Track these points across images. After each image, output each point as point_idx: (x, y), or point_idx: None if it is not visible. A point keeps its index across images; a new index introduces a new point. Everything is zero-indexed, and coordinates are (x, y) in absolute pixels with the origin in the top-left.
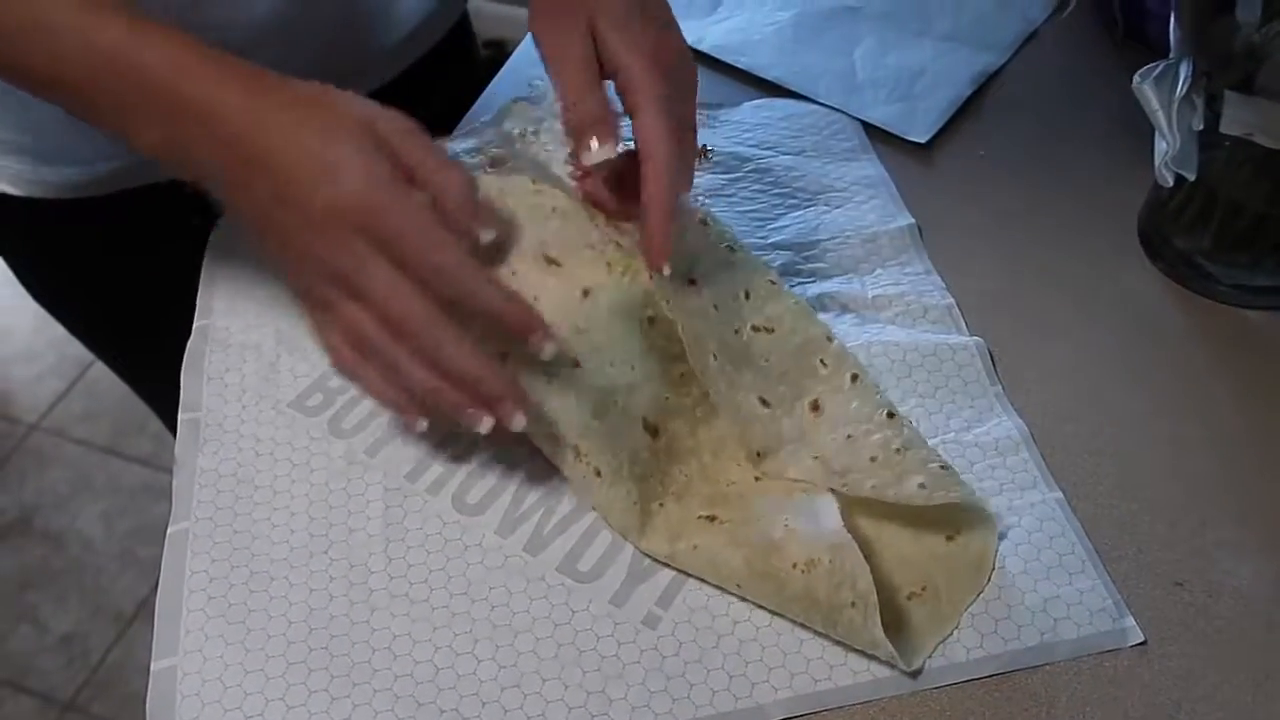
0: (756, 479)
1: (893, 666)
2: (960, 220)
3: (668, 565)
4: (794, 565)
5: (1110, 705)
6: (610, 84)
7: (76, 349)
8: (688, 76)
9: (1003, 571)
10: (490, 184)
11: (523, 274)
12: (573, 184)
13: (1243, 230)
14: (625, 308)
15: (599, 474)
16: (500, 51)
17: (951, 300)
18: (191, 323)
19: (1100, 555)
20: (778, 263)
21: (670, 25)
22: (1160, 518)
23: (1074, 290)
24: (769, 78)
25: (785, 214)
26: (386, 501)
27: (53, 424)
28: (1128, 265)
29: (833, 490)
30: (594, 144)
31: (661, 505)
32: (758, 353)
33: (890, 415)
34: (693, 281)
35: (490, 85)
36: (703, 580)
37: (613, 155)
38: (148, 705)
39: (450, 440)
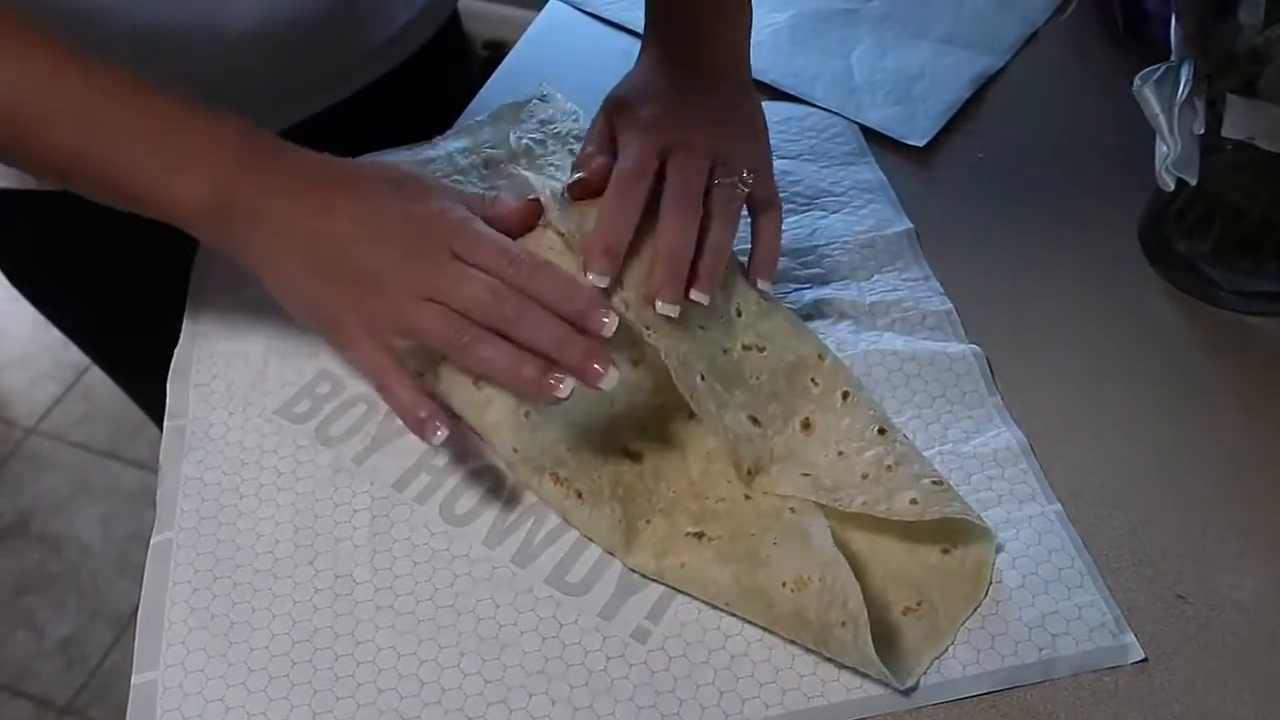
0: (746, 496)
1: (886, 685)
2: (959, 224)
3: (657, 580)
4: (783, 584)
5: None
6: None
7: (73, 352)
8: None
9: (1000, 586)
10: None
11: None
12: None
13: (1245, 235)
14: (611, 349)
15: (580, 496)
16: (499, 52)
17: (950, 306)
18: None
19: (1100, 568)
20: None
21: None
22: (1161, 529)
23: (1074, 295)
24: (765, 80)
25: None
26: (373, 511)
27: (50, 428)
28: (1128, 270)
29: (823, 506)
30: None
31: (649, 522)
32: (749, 371)
33: (882, 431)
34: None
35: (485, 86)
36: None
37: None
38: None
39: (437, 449)
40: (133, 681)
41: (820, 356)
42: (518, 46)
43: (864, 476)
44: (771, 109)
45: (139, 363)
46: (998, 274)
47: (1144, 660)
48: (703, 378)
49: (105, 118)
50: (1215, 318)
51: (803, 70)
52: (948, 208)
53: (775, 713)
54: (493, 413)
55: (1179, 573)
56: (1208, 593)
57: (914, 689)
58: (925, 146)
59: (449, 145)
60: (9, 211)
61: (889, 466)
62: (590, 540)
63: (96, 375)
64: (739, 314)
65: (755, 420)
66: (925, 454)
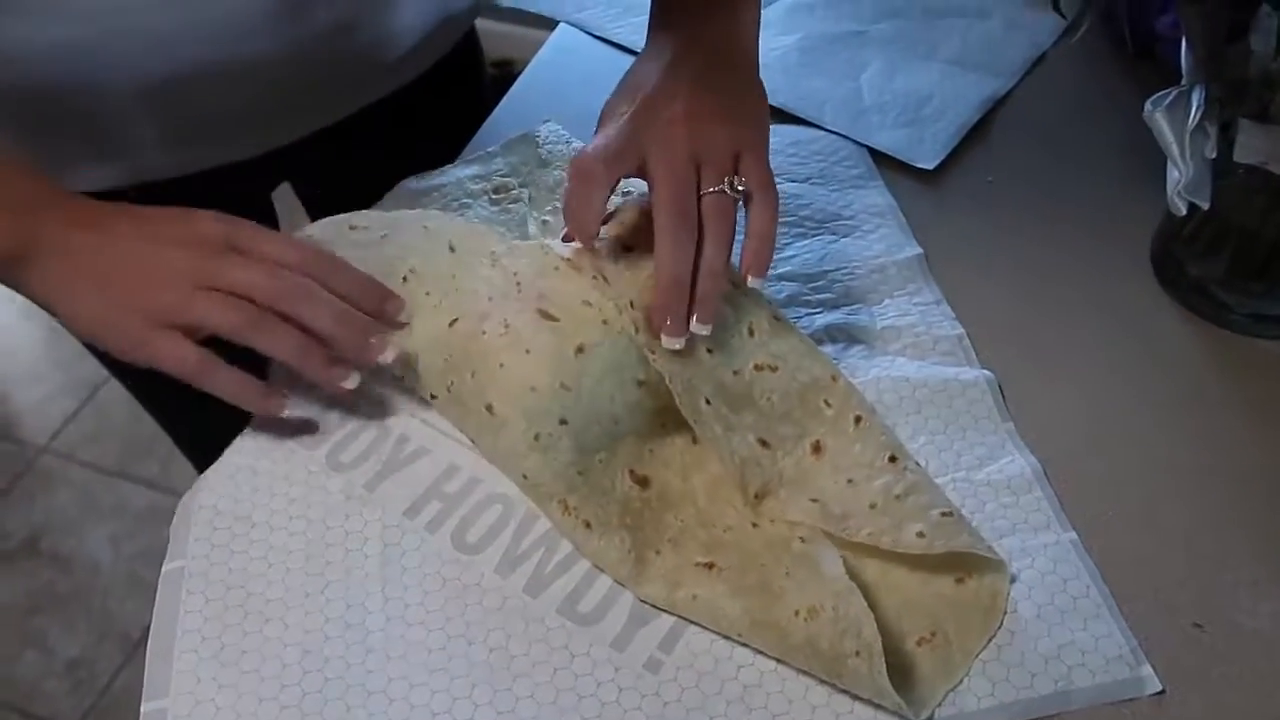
0: (754, 524)
1: (900, 716)
2: (969, 248)
3: (669, 611)
4: (795, 613)
5: None
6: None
7: (83, 370)
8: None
9: (1015, 616)
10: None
11: (516, 329)
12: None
13: (1257, 259)
14: (617, 368)
15: (589, 526)
16: (507, 71)
17: (961, 330)
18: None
19: (1116, 597)
20: (783, 294)
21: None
22: (1177, 556)
23: (1085, 319)
24: (774, 104)
25: (791, 243)
26: (385, 539)
27: (60, 446)
28: (1140, 293)
29: (832, 536)
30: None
31: (658, 553)
32: (759, 391)
33: (893, 459)
34: None
35: (495, 111)
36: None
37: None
38: None
39: (449, 474)
40: (142, 709)
41: (834, 378)
42: (528, 70)
43: (872, 506)
44: (780, 132)
45: (157, 376)
46: (1009, 298)
47: (1161, 692)
48: (708, 401)
49: None
50: (1228, 341)
51: (811, 93)
52: (958, 231)
53: None
54: (505, 438)
55: (1195, 600)
56: (1225, 621)
57: None
58: (935, 169)
59: (459, 173)
60: None
61: (898, 496)
62: (601, 570)
63: (107, 394)
64: (751, 333)
65: (764, 443)
66: (937, 481)
